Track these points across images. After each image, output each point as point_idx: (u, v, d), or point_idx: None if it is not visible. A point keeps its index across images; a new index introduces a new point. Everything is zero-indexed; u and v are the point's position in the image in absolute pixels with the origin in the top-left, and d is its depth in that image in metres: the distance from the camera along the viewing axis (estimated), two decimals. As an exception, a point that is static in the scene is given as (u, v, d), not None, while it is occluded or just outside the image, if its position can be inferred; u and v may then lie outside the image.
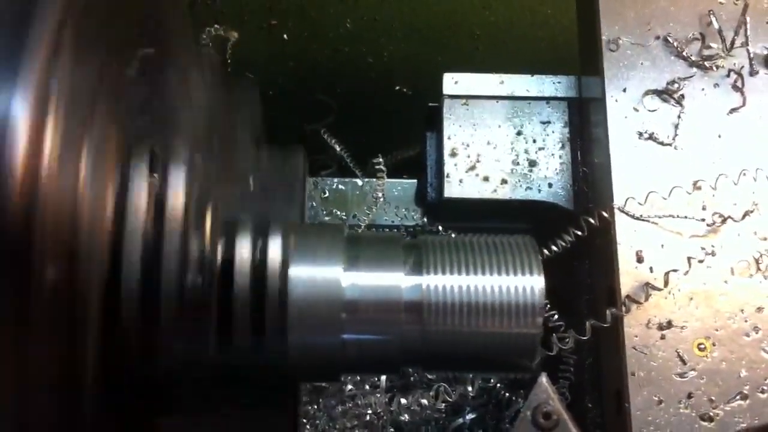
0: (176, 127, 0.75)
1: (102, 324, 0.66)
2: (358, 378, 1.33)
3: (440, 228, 1.34)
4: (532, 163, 1.26)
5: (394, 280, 0.80)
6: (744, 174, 1.09)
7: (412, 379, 1.35)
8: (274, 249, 0.78)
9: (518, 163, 1.26)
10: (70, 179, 0.60)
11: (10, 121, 0.55)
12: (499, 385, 1.30)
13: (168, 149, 0.72)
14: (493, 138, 1.27)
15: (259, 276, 0.77)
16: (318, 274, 0.80)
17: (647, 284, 1.04)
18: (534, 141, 1.27)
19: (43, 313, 0.58)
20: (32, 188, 0.55)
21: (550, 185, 1.25)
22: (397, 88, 1.75)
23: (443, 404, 1.27)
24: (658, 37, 1.17)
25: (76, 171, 0.60)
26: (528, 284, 0.79)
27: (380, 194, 1.41)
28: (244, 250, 0.75)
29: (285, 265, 0.78)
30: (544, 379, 1.00)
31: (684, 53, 1.16)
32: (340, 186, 1.47)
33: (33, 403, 0.58)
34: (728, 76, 1.15)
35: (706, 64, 1.15)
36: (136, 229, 0.67)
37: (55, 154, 0.57)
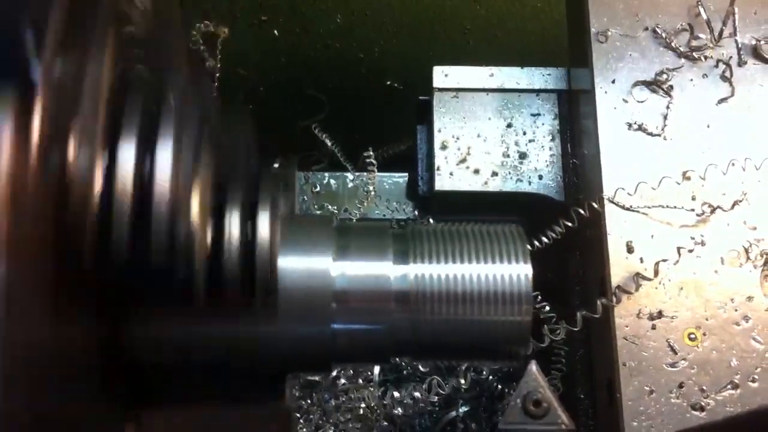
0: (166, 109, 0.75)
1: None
2: (351, 372, 1.33)
3: (431, 221, 1.35)
4: (523, 155, 1.26)
5: (383, 270, 0.80)
6: (733, 164, 1.09)
7: (405, 372, 1.35)
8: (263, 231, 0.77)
9: (508, 156, 1.26)
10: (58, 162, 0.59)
11: None
12: (491, 377, 1.30)
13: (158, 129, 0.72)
14: (484, 130, 1.27)
15: (248, 264, 0.77)
16: (307, 264, 0.80)
17: (637, 274, 1.05)
18: (524, 133, 1.27)
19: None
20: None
21: (540, 177, 1.25)
22: (388, 82, 1.75)
23: (436, 397, 1.27)
24: (646, 29, 1.18)
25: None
26: (516, 272, 0.79)
27: (371, 188, 1.41)
28: (233, 234, 0.75)
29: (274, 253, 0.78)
30: (534, 367, 1.01)
31: (672, 44, 1.16)
32: (331, 180, 1.47)
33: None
34: (717, 66, 1.16)
35: (695, 54, 1.16)
36: (123, 213, 0.67)
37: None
